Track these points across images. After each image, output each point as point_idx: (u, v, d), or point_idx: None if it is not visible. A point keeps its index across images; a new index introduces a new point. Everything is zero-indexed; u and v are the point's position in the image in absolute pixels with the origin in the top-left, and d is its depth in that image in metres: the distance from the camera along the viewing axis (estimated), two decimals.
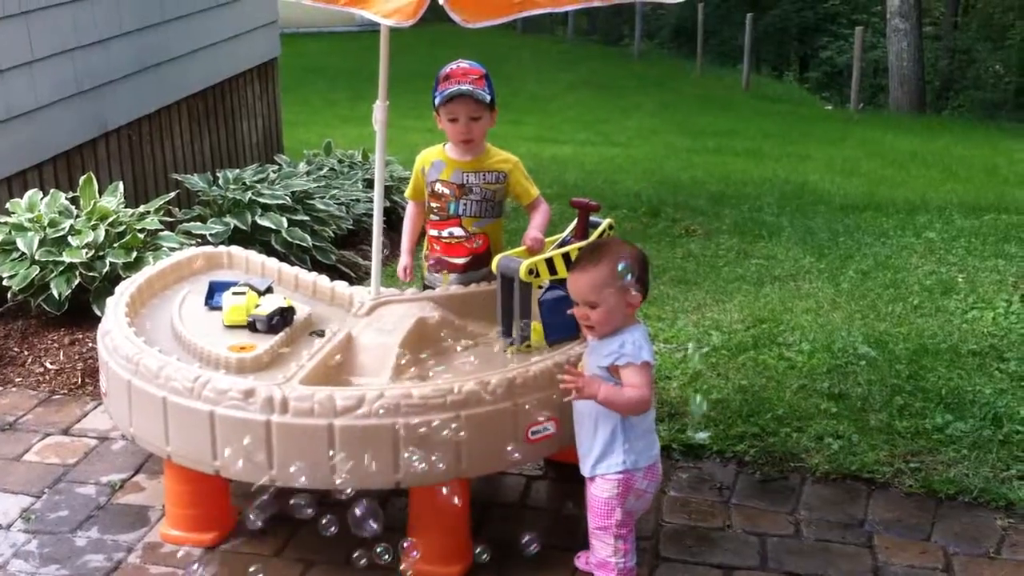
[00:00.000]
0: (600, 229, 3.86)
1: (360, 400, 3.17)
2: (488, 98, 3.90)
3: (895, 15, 20.60)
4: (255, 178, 6.72)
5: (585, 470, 3.29)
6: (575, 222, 3.90)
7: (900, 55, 20.53)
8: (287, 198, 6.50)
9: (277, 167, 7.35)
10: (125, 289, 3.90)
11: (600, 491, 3.24)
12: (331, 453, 3.18)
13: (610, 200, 8.88)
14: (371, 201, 7.54)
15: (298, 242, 6.29)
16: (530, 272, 3.59)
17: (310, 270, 4.31)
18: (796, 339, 5.29)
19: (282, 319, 3.67)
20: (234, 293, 3.73)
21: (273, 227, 6.26)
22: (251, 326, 3.67)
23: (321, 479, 3.21)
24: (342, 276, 5.72)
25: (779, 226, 8.29)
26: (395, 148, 8.37)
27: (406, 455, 3.18)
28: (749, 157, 12.95)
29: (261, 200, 6.40)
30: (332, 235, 6.74)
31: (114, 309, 3.74)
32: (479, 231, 4.02)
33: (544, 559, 3.53)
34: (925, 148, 14.74)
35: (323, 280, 4.07)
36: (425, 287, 4.13)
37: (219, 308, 3.78)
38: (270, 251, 5.84)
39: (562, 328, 3.55)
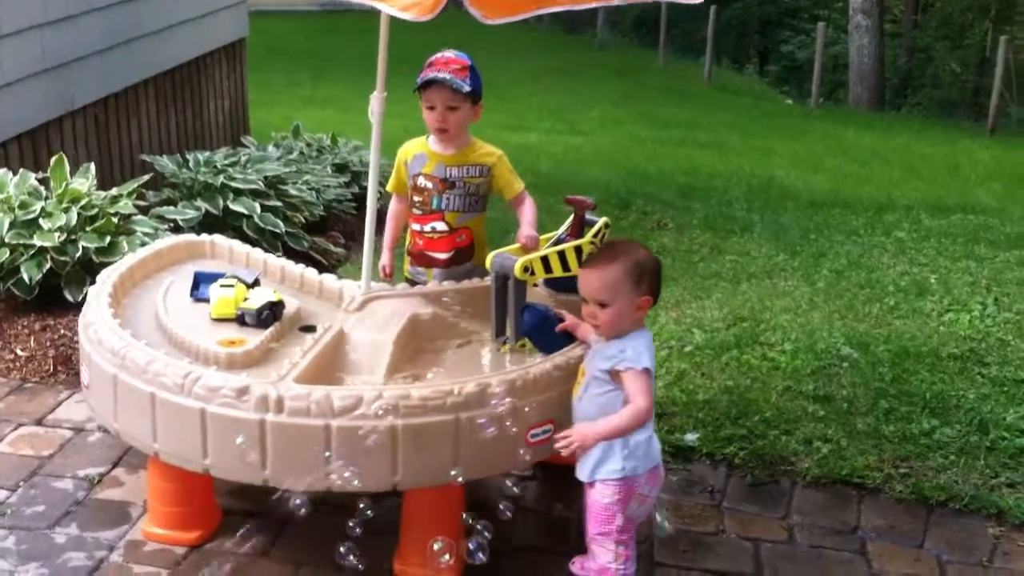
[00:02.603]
0: (596, 228, 3.80)
1: (358, 400, 3.08)
2: (467, 88, 3.81)
3: (857, 12, 20.71)
4: (226, 161, 6.58)
5: (584, 475, 3.23)
6: (570, 220, 3.84)
7: (861, 51, 20.66)
8: (259, 183, 6.37)
9: (247, 150, 7.20)
10: (107, 278, 3.77)
11: (601, 496, 3.18)
12: (327, 454, 3.09)
13: (581, 191, 8.81)
14: (341, 187, 7.49)
15: (270, 228, 6.16)
16: (525, 270, 3.52)
17: (279, 256, 4.19)
18: (778, 339, 5.27)
19: (272, 313, 3.57)
20: (222, 285, 3.62)
21: (246, 212, 6.13)
22: (240, 320, 3.56)
23: (316, 480, 3.12)
24: (314, 263, 5.61)
25: (750, 222, 8.29)
26: (361, 135, 8.26)
27: (402, 458, 3.10)
28: (713, 150, 12.95)
29: (233, 184, 6.27)
30: (304, 221, 6.62)
31: (97, 299, 3.61)
32: (462, 225, 3.94)
33: (538, 563, 3.49)
34: (886, 145, 14.84)
35: (311, 273, 3.96)
36: (408, 282, 4.04)
37: (205, 300, 3.67)
38: (242, 236, 5.70)
39: (553, 344, 3.48)
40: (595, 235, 3.78)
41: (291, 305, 3.69)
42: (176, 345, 3.47)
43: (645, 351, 3.11)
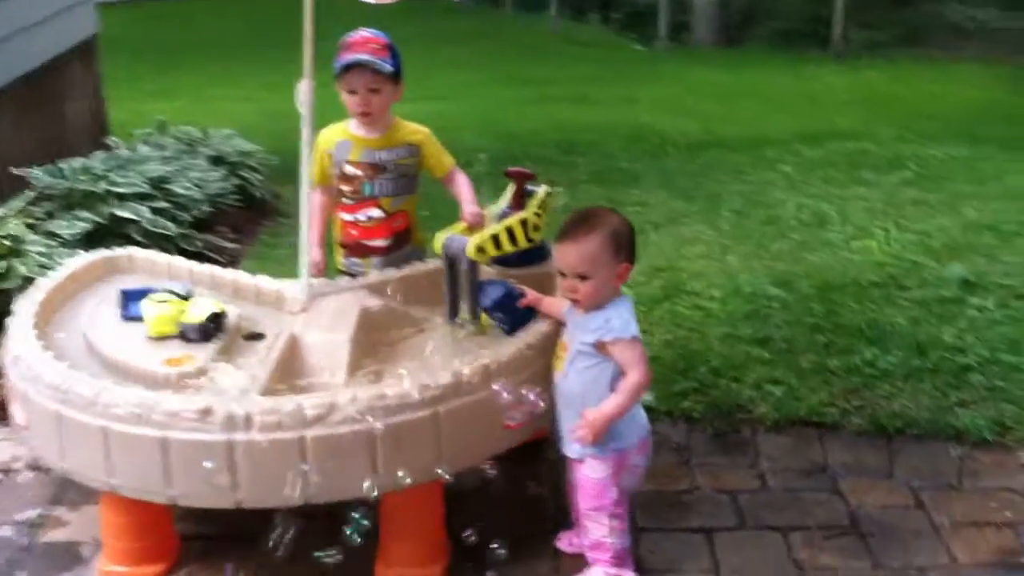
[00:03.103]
0: (539, 198, 3.71)
1: (331, 407, 2.93)
2: (389, 68, 3.66)
3: None
4: (104, 167, 6.22)
5: (573, 451, 3.15)
6: (510, 192, 3.74)
7: None
8: (144, 185, 6.06)
9: (123, 152, 6.84)
10: (26, 308, 3.49)
11: (593, 472, 3.11)
12: (305, 467, 2.93)
13: (460, 157, 8.67)
14: (222, 181, 7.18)
15: (160, 231, 5.87)
16: (478, 250, 3.40)
17: (204, 264, 3.96)
18: (703, 286, 5.27)
19: (215, 325, 3.36)
20: (157, 301, 3.39)
21: (134, 218, 5.82)
22: (182, 336, 3.35)
23: (294, 496, 2.95)
24: (210, 262, 5.37)
25: (637, 172, 8.29)
26: (212, 120, 7.99)
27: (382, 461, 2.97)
28: (578, 103, 12.91)
29: (117, 190, 5.94)
30: (192, 220, 6.33)
31: (21, 331, 3.34)
32: (398, 209, 3.80)
33: (521, 545, 3.39)
34: (740, 81, 15.03)
35: (244, 276, 3.76)
36: (342, 275, 3.87)
37: (137, 319, 3.44)
38: (131, 243, 5.42)
39: (516, 320, 3.37)
40: (539, 206, 3.68)
41: (231, 313, 3.49)
42: (116, 371, 3.24)
43: (631, 318, 3.04)
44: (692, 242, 6.14)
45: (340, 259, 3.89)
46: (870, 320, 4.79)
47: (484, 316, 3.47)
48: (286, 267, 5.81)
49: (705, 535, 3.44)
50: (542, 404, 3.13)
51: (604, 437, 3.05)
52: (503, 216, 3.63)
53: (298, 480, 2.92)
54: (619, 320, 3.01)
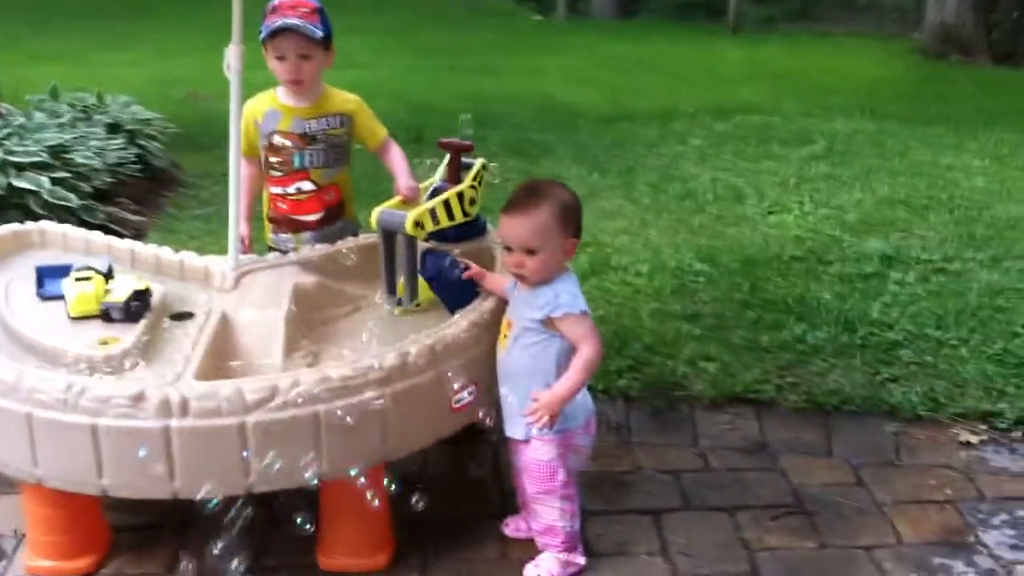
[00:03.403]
0: (474, 171, 3.58)
1: (273, 391, 2.78)
2: (320, 34, 3.49)
3: None
4: (0, 134, 5.90)
5: (518, 433, 3.05)
6: (444, 165, 3.61)
7: None
8: (43, 154, 5.77)
9: (18, 119, 6.49)
10: None
11: (540, 454, 3.02)
12: (244, 454, 2.78)
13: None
14: (121, 150, 6.88)
15: (61, 203, 5.59)
16: (417, 225, 3.28)
17: (126, 239, 3.76)
18: (629, 262, 5.22)
19: (141, 304, 3.17)
20: (77, 279, 3.19)
21: (33, 188, 5.53)
22: (105, 315, 3.14)
23: (232, 484, 2.81)
24: (114, 235, 5.14)
25: (549, 143, 8.22)
26: (103, 86, 7.68)
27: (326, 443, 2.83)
28: (486, 73, 12.77)
29: (13, 159, 5.64)
30: (92, 191, 6.05)
31: None
32: (330, 182, 3.64)
33: (465, 530, 3.30)
34: (642, 52, 15.06)
35: (166, 252, 3.56)
36: (271, 251, 3.71)
37: (57, 298, 3.23)
38: (29, 215, 5.16)
39: (457, 293, 3.26)
40: (474, 178, 3.57)
41: (156, 292, 3.30)
42: (37, 354, 3.03)
43: (579, 293, 2.96)
44: (612, 216, 6.09)
45: (268, 235, 3.72)
46: (797, 295, 4.79)
47: (423, 291, 3.35)
48: (197, 240, 5.62)
49: (652, 516, 3.39)
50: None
51: (518, 416, 2.98)
52: (438, 190, 3.50)
53: (238, 468, 2.78)
54: (568, 295, 2.93)
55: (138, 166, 6.82)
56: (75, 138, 6.26)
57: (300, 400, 2.79)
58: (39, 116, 6.73)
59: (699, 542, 3.25)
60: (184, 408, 2.74)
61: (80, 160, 5.99)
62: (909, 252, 5.38)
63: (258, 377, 2.87)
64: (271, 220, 3.69)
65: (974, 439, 3.79)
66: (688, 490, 3.53)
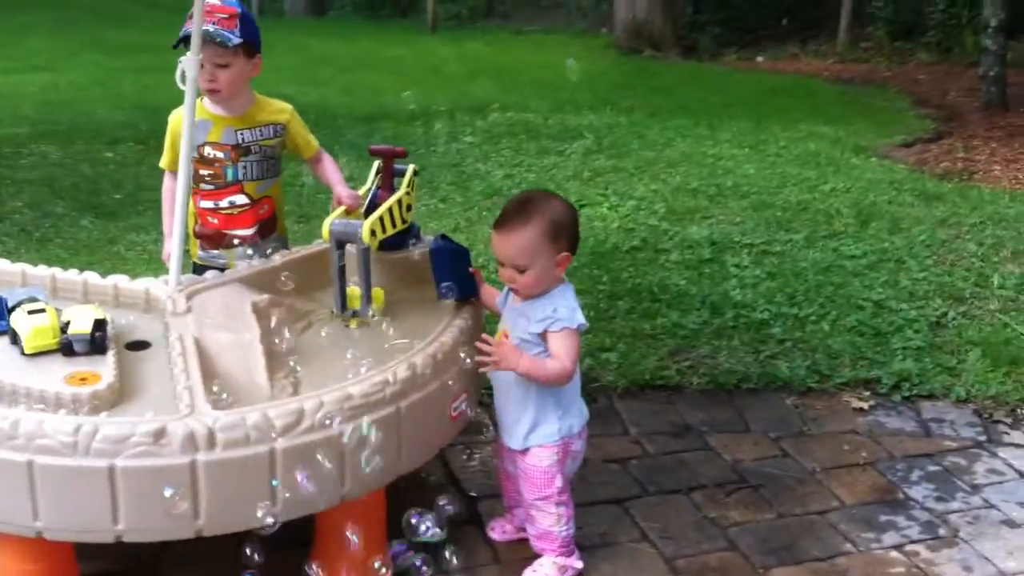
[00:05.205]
0: (407, 177, 3.54)
1: (300, 414, 2.65)
2: (236, 41, 3.35)
3: None
4: None
5: (515, 442, 3.07)
6: (375, 171, 3.54)
7: None
8: None
9: None
10: None
11: (539, 461, 3.05)
12: (274, 483, 2.64)
13: (108, 135, 7.98)
14: None
15: None
16: (371, 233, 3.21)
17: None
18: (482, 263, 5.25)
19: (103, 334, 2.91)
20: (30, 312, 2.87)
21: None
22: (66, 349, 2.86)
23: (259, 516, 2.65)
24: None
25: (326, 145, 7.68)
26: None
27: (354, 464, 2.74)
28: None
29: None
30: None
31: None
32: (264, 195, 3.50)
33: (453, 534, 3.26)
34: (357, 51, 14.95)
35: (94, 277, 3.26)
36: (199, 269, 3.49)
37: (1, 332, 2.90)
38: None
39: (467, 289, 3.24)
40: (409, 184, 3.52)
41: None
42: (6, 396, 2.71)
43: (576, 307, 2.99)
44: (438, 217, 6.11)
45: (196, 252, 3.50)
46: (658, 283, 5.02)
47: (376, 299, 3.28)
48: (97, 256, 5.23)
49: (618, 505, 3.48)
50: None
51: (517, 426, 3.03)
52: (375, 197, 3.44)
53: (266, 499, 2.64)
54: (566, 310, 2.95)
55: None
56: None
57: (327, 421, 2.69)
58: None
59: (672, 525, 3.38)
60: (211, 440, 2.57)
61: None
62: (731, 237, 5.75)
63: (281, 401, 2.74)
64: (199, 236, 3.48)
65: (864, 405, 4.14)
66: (639, 477, 3.65)
